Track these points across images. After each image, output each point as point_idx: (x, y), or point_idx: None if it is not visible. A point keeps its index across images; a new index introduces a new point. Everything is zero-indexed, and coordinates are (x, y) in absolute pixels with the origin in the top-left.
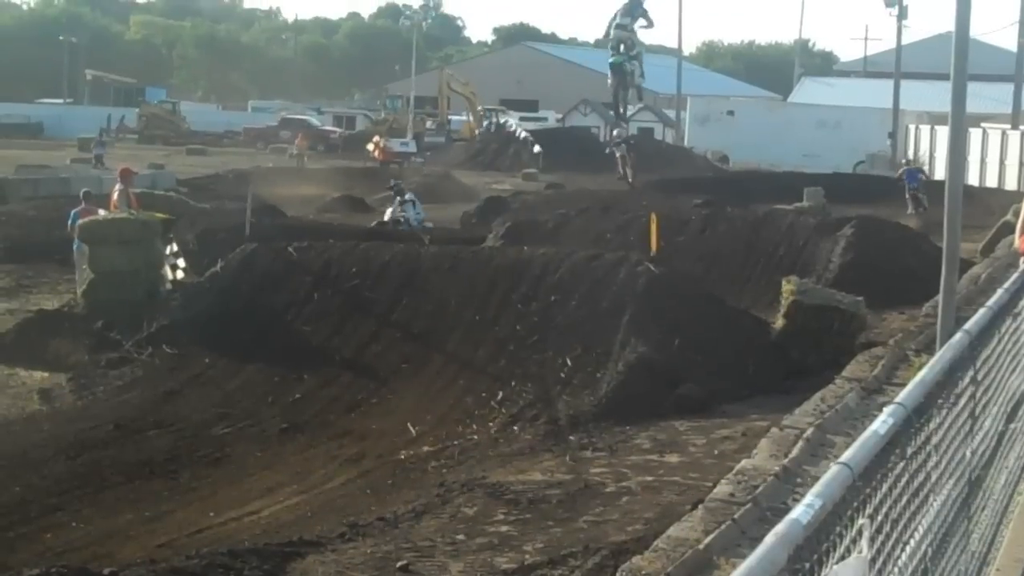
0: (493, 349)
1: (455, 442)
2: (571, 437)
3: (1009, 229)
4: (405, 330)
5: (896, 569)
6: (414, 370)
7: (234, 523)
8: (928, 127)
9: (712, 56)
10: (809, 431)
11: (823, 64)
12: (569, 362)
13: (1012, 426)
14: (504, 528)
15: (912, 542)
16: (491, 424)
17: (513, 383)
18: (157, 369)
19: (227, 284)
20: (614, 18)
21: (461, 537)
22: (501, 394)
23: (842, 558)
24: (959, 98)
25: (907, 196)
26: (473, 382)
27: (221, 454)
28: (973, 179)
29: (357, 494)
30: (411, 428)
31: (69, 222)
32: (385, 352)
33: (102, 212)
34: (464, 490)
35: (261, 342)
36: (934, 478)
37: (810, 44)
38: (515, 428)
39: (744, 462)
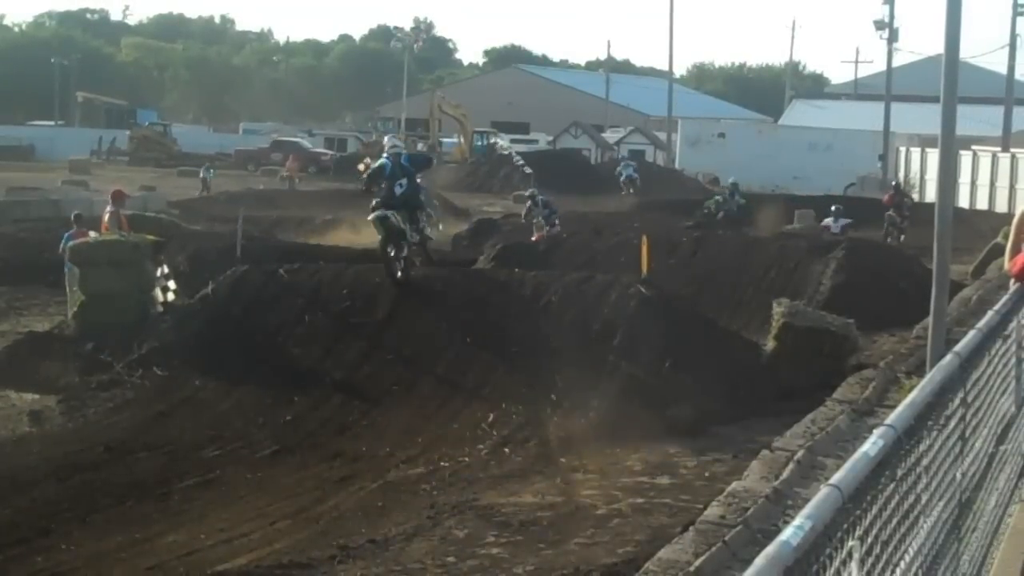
0: (484, 371)
1: (446, 464)
2: (562, 459)
3: (999, 251)
4: (396, 352)
5: None
6: (405, 392)
7: (224, 546)
8: (919, 149)
9: (703, 78)
10: (800, 453)
11: (814, 86)
12: (560, 384)
13: (1002, 448)
14: (495, 550)
15: (902, 563)
16: (482, 447)
17: (504, 405)
18: (148, 391)
19: (218, 306)
20: None
21: (452, 559)
22: (492, 416)
23: None
24: (949, 121)
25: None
26: (464, 404)
27: (212, 476)
28: (963, 201)
29: (348, 516)
30: (400, 450)
31: (61, 244)
32: (376, 374)
33: (93, 234)
34: (455, 512)
35: (252, 364)
36: (924, 500)
37: (801, 67)
38: (506, 450)
39: (735, 484)
